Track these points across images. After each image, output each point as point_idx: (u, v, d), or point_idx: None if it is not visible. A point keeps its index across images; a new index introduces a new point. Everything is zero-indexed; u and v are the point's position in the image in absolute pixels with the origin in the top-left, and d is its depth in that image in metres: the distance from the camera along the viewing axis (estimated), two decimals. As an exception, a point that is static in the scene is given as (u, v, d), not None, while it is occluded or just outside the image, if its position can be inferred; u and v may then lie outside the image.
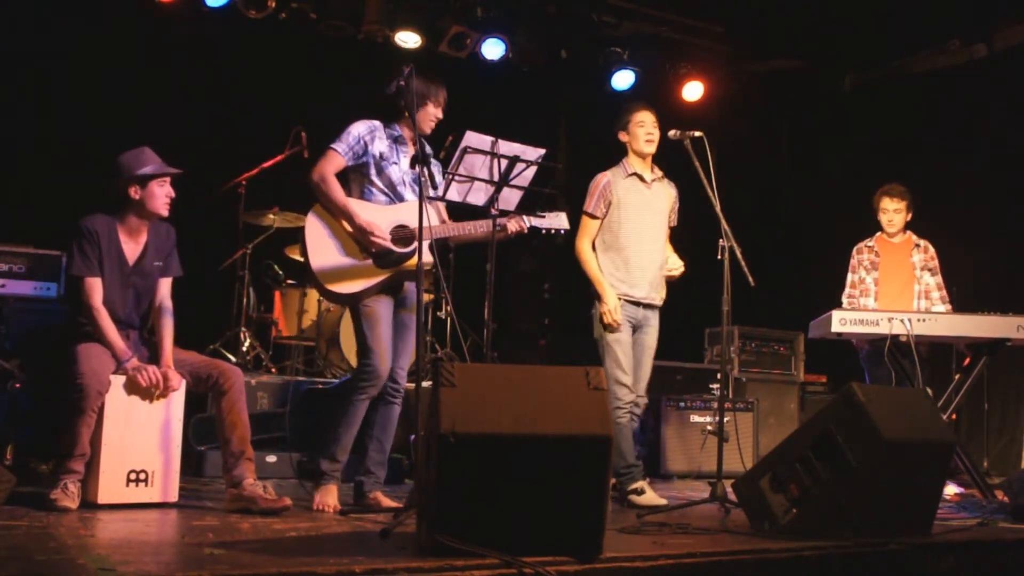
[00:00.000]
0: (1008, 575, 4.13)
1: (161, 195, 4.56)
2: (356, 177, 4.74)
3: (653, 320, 5.43)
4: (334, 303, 4.74)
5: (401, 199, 4.74)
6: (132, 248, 4.61)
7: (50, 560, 2.90)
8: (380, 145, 4.73)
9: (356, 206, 4.61)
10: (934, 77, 8.75)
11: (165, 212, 4.60)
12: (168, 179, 4.60)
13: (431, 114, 4.83)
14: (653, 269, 5.40)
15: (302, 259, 4.74)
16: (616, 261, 5.35)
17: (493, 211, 4.55)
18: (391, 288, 4.69)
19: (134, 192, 4.53)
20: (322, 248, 4.62)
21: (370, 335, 4.58)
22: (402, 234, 4.66)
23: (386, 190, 4.72)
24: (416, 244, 4.54)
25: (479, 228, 4.77)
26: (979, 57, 8.48)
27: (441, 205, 4.93)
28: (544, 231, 4.93)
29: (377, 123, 4.79)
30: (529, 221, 4.84)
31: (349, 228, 4.61)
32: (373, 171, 4.70)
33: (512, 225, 4.80)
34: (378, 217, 4.64)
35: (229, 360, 7.00)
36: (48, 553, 3.02)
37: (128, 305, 4.58)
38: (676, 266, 5.47)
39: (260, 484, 4.38)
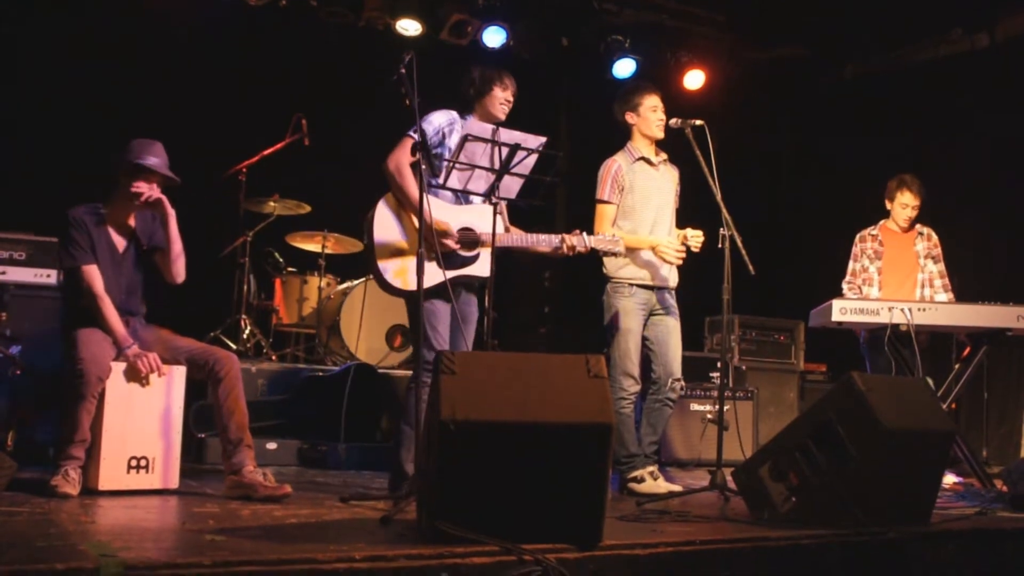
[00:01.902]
0: (1007, 564, 4.14)
1: (143, 189, 4.50)
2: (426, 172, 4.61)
3: (671, 302, 5.38)
4: (392, 295, 4.71)
5: (467, 198, 4.73)
6: (121, 234, 4.60)
7: (51, 546, 2.91)
8: (456, 139, 4.67)
9: (427, 203, 4.45)
10: (936, 66, 8.73)
11: (139, 203, 4.52)
12: (156, 178, 4.54)
13: (499, 98, 4.81)
14: None
15: (364, 245, 4.69)
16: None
17: (494, 199, 4.54)
18: (451, 288, 4.60)
19: (123, 177, 4.52)
20: (389, 240, 4.60)
21: (433, 334, 4.55)
22: (467, 237, 4.65)
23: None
24: (480, 250, 4.63)
25: (542, 242, 4.78)
26: (981, 47, 8.46)
27: (504, 212, 4.89)
28: (602, 253, 4.95)
29: (455, 114, 4.78)
30: (590, 241, 4.83)
31: (418, 223, 4.47)
32: (444, 167, 4.60)
33: (573, 241, 4.78)
34: (447, 217, 4.62)
35: (229, 347, 7.01)
36: (49, 539, 3.03)
37: (122, 292, 4.57)
38: (696, 234, 5.33)
39: (260, 471, 4.38)
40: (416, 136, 4.54)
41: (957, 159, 8.25)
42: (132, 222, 4.64)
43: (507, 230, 4.86)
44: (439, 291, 4.53)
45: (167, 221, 4.55)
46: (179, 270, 4.65)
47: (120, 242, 4.60)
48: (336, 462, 5.81)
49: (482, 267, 4.69)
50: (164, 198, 4.52)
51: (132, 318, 4.59)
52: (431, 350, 4.46)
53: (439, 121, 4.74)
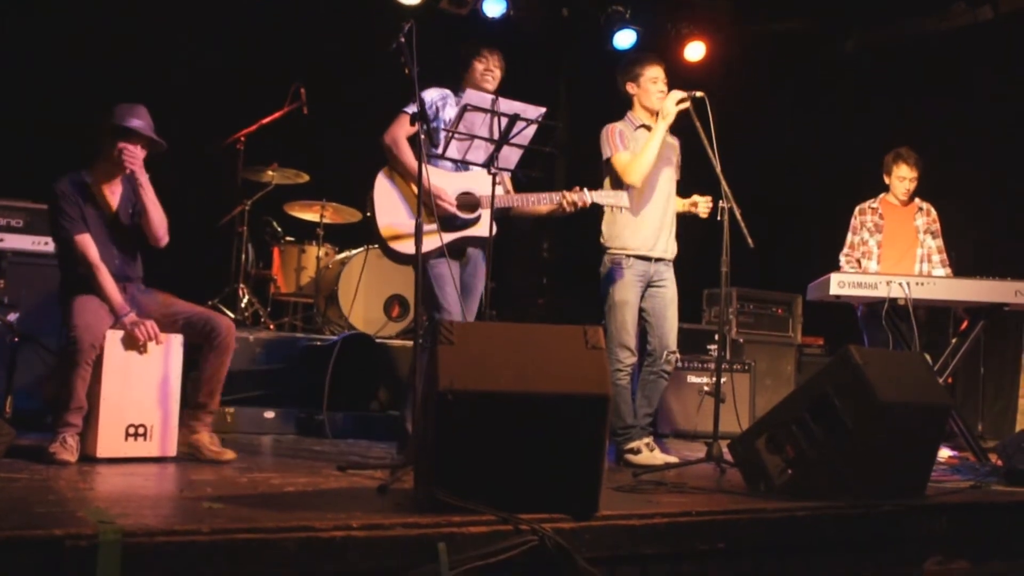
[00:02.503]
0: (1000, 537, 4.17)
1: (126, 151, 4.46)
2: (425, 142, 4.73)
3: (668, 274, 5.36)
4: (397, 263, 4.89)
5: (467, 167, 4.81)
6: (109, 200, 4.58)
7: (50, 513, 2.92)
8: (450, 112, 4.82)
9: (425, 170, 4.59)
10: (938, 39, 8.69)
11: (126, 169, 4.50)
12: (141, 141, 4.50)
13: (479, 70, 4.96)
14: (666, 224, 5.34)
15: (368, 217, 4.84)
16: (627, 217, 5.25)
17: (492, 169, 4.55)
18: (455, 252, 4.79)
19: (108, 142, 4.48)
20: (389, 208, 4.75)
21: (440, 294, 4.70)
22: (467, 200, 4.77)
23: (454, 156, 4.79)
24: (480, 211, 4.73)
25: (543, 200, 4.86)
26: (984, 19, 8.42)
27: (506, 177, 5.02)
28: (605, 206, 5.04)
29: (448, 91, 4.92)
30: (591, 196, 4.90)
31: (416, 190, 4.60)
32: (442, 137, 4.75)
33: (573, 197, 4.86)
34: (446, 183, 4.74)
35: (227, 316, 7.00)
36: (48, 506, 3.04)
37: (116, 258, 4.56)
38: (702, 200, 5.35)
39: (208, 435, 4.52)
40: (411, 111, 4.62)
41: (959, 133, 8.22)
42: (119, 187, 4.62)
43: (507, 193, 4.90)
44: (442, 253, 4.63)
45: (141, 190, 4.53)
46: (161, 235, 4.65)
47: (109, 208, 4.58)
48: (334, 431, 5.83)
49: (483, 228, 4.78)
50: (136, 168, 4.47)
51: (129, 284, 4.58)
52: (440, 311, 4.65)
53: (431, 96, 4.86)
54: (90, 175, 4.55)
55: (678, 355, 5.38)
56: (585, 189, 4.91)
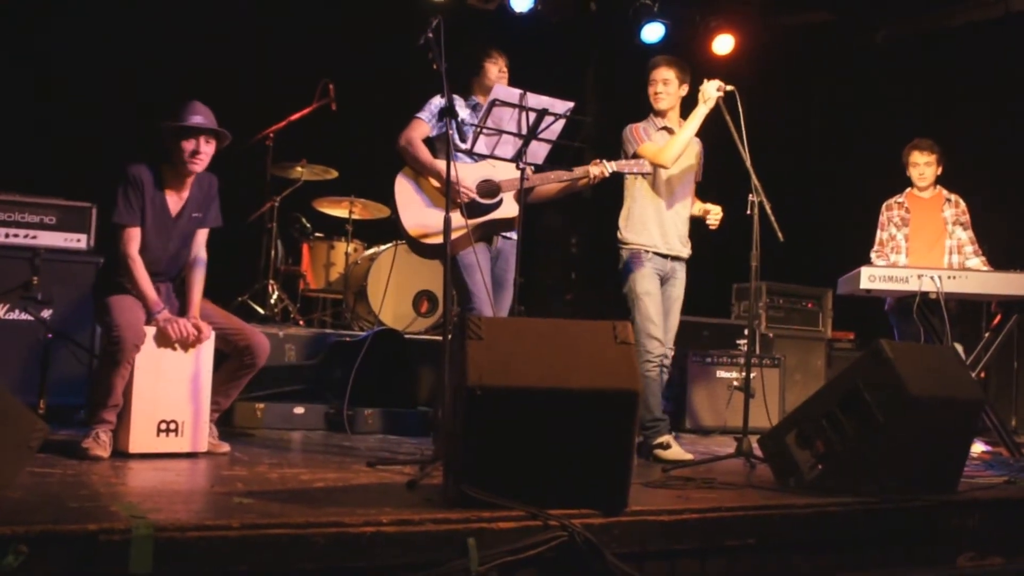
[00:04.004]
0: (1034, 533, 4.13)
1: (187, 150, 4.42)
2: (442, 145, 4.84)
3: (680, 272, 5.40)
4: (427, 257, 5.07)
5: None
6: (176, 200, 4.56)
7: (83, 507, 2.95)
8: (461, 112, 4.92)
9: (443, 165, 4.62)
10: (969, 31, 8.60)
11: (193, 168, 4.48)
12: (198, 137, 4.44)
13: (492, 72, 5.07)
14: (681, 223, 5.39)
15: (393, 218, 4.93)
16: (646, 214, 5.30)
17: (521, 164, 4.55)
18: (483, 238, 4.90)
19: (171, 141, 4.45)
20: (412, 206, 4.87)
21: (469, 281, 4.81)
22: (488, 187, 4.87)
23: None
24: (502, 195, 4.85)
25: (563, 177, 4.95)
26: (1016, 10, 8.33)
27: (531, 171, 5.01)
28: (627, 174, 5.09)
29: (457, 96, 4.95)
30: (611, 166, 4.96)
31: (436, 184, 4.82)
32: (457, 137, 4.76)
33: (594, 170, 4.92)
34: (465, 172, 4.81)
35: (256, 312, 7.06)
36: (81, 500, 3.07)
37: (167, 257, 4.57)
38: (715, 209, 5.39)
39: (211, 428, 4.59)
40: (425, 117, 4.87)
41: (992, 125, 8.14)
42: (187, 190, 4.59)
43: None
44: (472, 243, 4.74)
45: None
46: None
47: (174, 207, 4.55)
48: (363, 427, 5.85)
49: (506, 209, 4.85)
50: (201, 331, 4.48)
51: (168, 283, 4.61)
52: (470, 299, 4.77)
53: (439, 100, 4.88)
54: (163, 170, 4.52)
55: (674, 351, 5.44)
56: (604, 160, 4.96)
